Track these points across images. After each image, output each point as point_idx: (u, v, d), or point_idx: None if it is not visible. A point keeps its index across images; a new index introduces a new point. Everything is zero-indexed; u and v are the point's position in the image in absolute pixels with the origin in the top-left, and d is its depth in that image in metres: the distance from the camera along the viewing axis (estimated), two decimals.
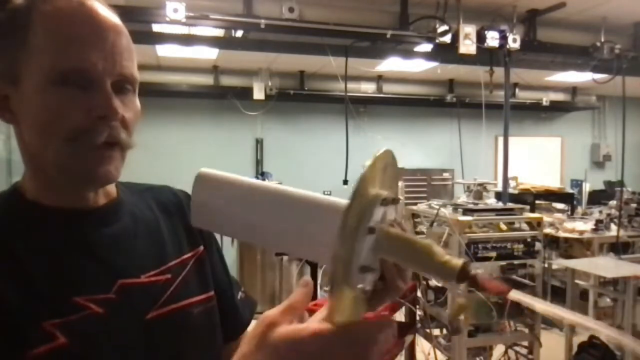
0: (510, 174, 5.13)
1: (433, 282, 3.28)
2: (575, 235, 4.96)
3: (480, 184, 3.66)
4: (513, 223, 3.35)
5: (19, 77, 0.65)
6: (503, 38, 4.46)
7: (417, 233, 3.62)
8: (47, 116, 0.64)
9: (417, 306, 3.32)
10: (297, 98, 6.82)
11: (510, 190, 5.41)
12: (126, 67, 0.67)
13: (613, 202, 5.55)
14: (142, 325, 0.68)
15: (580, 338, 3.78)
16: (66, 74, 0.63)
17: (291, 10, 3.96)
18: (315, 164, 7.17)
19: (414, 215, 3.63)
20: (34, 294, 0.61)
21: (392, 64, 5.72)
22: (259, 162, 7.34)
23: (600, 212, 5.57)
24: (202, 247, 0.81)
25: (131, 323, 0.67)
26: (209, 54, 5.48)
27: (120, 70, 0.66)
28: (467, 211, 3.22)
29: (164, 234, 0.77)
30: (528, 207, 4.18)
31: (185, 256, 0.78)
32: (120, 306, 0.66)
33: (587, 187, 7.45)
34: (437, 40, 4.34)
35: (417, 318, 3.35)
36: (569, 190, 7.00)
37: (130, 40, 0.69)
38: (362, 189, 0.49)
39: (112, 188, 0.75)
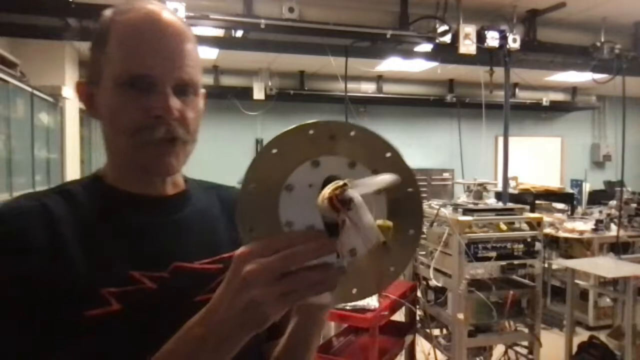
0: (510, 174, 5.13)
1: (433, 282, 3.28)
2: (575, 235, 4.95)
3: (480, 184, 3.65)
4: (513, 223, 3.34)
5: (100, 79, 0.75)
6: (503, 38, 4.46)
7: None
8: (114, 114, 0.74)
9: (417, 306, 3.33)
10: (297, 98, 6.83)
11: (510, 190, 5.40)
12: (186, 72, 0.74)
13: (613, 202, 5.54)
14: (190, 306, 0.69)
15: (580, 338, 3.78)
16: (130, 78, 0.71)
17: (291, 10, 3.96)
18: None
19: None
20: (97, 263, 0.69)
21: (392, 64, 5.72)
22: None
23: (600, 212, 5.56)
24: None
25: (180, 302, 0.71)
26: (209, 54, 5.48)
27: (179, 75, 0.73)
28: (467, 211, 3.22)
29: (222, 228, 0.83)
30: (528, 207, 4.18)
31: None
32: (172, 285, 0.73)
33: (587, 187, 7.44)
34: (437, 40, 4.34)
35: (417, 318, 3.36)
36: (569, 190, 7.00)
37: (194, 47, 0.77)
38: (265, 151, 0.54)
39: (180, 181, 0.85)
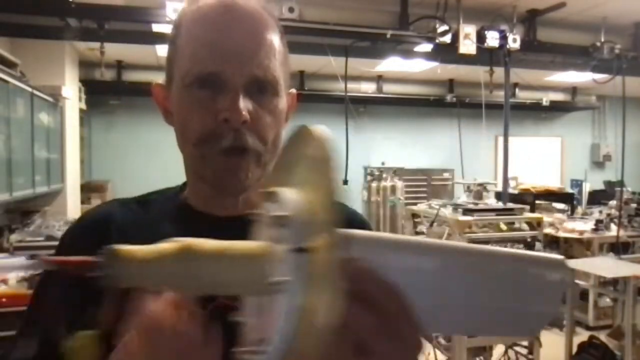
0: (510, 174, 5.13)
1: None
2: (575, 235, 4.95)
3: (480, 184, 3.66)
4: (513, 223, 3.35)
5: (172, 80, 0.67)
6: (503, 38, 4.46)
7: (417, 233, 3.62)
8: (182, 119, 0.65)
9: None
10: (297, 98, 6.82)
11: (510, 190, 5.40)
12: (261, 66, 0.62)
13: (613, 202, 5.54)
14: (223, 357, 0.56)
15: (580, 338, 3.78)
16: (196, 77, 0.62)
17: (291, 10, 3.96)
18: None
19: (414, 215, 3.63)
20: None
21: (392, 64, 5.72)
22: None
23: (600, 212, 5.56)
24: None
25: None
26: None
27: (251, 72, 0.62)
28: (467, 211, 3.22)
29: None
30: (528, 207, 4.18)
31: None
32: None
33: (587, 187, 7.44)
34: (437, 40, 4.34)
35: None
36: (569, 190, 7.00)
37: (275, 38, 0.65)
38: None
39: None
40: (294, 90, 0.73)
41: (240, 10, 0.63)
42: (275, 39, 0.65)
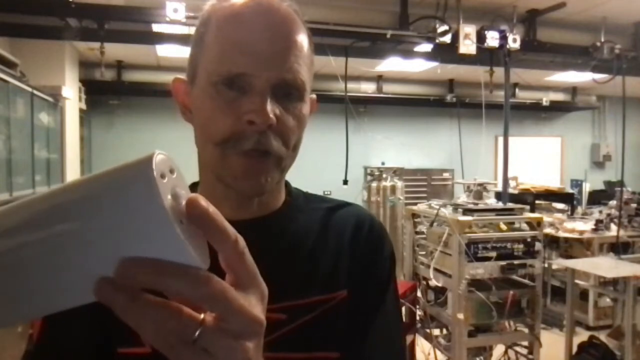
0: (510, 174, 5.13)
1: (433, 282, 3.28)
2: (575, 235, 4.95)
3: (480, 184, 3.65)
4: (513, 223, 3.34)
5: (195, 77, 0.65)
6: (503, 38, 4.46)
7: (417, 233, 3.62)
8: (205, 118, 0.63)
9: (417, 306, 3.32)
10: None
11: (510, 190, 5.40)
12: (290, 71, 0.62)
13: (613, 202, 5.54)
14: None
15: (580, 338, 3.78)
16: (222, 77, 0.61)
17: None
18: (315, 164, 7.17)
19: (414, 215, 3.62)
20: None
21: (392, 64, 5.72)
22: None
23: (600, 212, 5.56)
24: (345, 292, 0.68)
25: None
26: None
27: (281, 75, 0.61)
28: (467, 211, 3.22)
29: (317, 264, 0.68)
30: (528, 207, 4.18)
31: (316, 298, 0.67)
32: None
33: (587, 187, 7.44)
34: (437, 40, 4.34)
35: (417, 318, 3.36)
36: (569, 190, 7.00)
37: (304, 45, 0.65)
38: None
39: (273, 200, 0.71)
40: (314, 96, 0.71)
41: (274, 10, 0.62)
42: (305, 43, 0.65)
